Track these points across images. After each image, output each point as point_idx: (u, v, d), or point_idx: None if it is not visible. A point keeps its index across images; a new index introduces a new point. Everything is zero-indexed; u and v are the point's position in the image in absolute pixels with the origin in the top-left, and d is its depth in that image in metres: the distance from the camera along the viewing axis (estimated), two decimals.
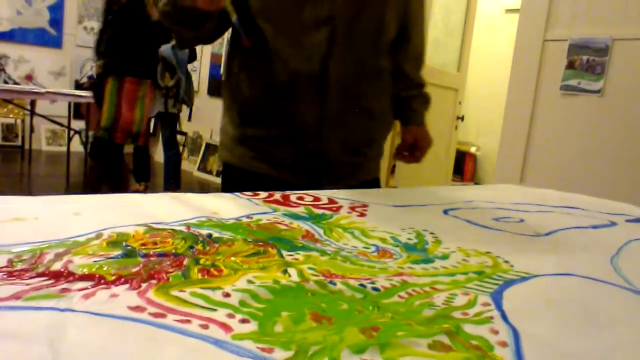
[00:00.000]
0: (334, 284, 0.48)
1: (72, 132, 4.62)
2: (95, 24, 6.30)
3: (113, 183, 3.44)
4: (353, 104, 1.08)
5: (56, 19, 6.11)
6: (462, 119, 4.24)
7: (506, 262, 0.60)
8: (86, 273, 0.45)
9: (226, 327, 0.38)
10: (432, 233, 0.70)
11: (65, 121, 4.66)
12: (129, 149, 3.64)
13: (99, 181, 3.40)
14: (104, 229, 0.58)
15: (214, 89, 5.65)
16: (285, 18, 1.00)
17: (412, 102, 1.23)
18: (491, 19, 5.67)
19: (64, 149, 4.59)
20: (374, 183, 1.22)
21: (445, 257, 0.60)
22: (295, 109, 1.05)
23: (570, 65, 2.37)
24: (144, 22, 3.31)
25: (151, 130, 6.40)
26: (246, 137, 1.10)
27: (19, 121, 5.80)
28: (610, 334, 0.43)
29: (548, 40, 2.46)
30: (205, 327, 0.37)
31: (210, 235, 0.59)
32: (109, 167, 3.43)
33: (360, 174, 1.18)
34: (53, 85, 5.64)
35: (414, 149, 1.24)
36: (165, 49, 3.34)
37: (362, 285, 0.48)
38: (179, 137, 4.33)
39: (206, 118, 5.57)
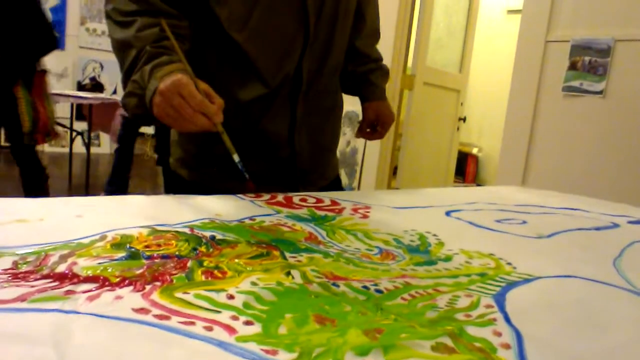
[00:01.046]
0: (337, 286, 0.48)
1: (74, 134, 4.62)
2: (98, 26, 6.32)
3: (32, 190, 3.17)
4: (319, 102, 1.06)
5: (58, 21, 6.11)
6: (464, 120, 4.24)
7: (509, 264, 0.60)
8: (90, 275, 0.45)
9: (230, 329, 0.38)
10: (434, 235, 0.70)
11: (67, 122, 4.66)
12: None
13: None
14: (108, 231, 0.58)
15: None
16: (262, 24, 0.93)
17: (370, 76, 1.21)
18: (493, 19, 5.67)
19: (67, 150, 4.59)
20: (338, 182, 1.21)
21: (448, 259, 0.60)
22: (266, 119, 1.00)
23: (573, 66, 2.37)
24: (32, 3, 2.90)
25: (154, 132, 6.41)
26: (213, 156, 1.00)
27: None
28: (613, 335, 0.43)
29: (550, 41, 2.46)
30: (209, 329, 0.38)
31: (213, 237, 0.60)
32: (34, 173, 3.17)
33: (328, 172, 1.17)
34: (55, 87, 5.64)
35: (376, 125, 1.22)
36: None
37: (365, 287, 0.49)
38: None
39: None
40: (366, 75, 1.21)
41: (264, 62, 0.96)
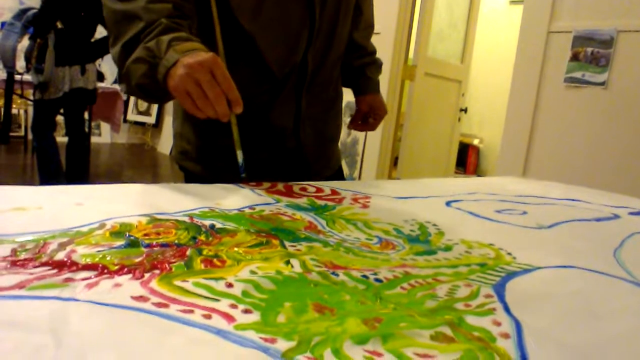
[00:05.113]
0: (337, 275, 0.48)
1: None
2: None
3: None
4: (322, 93, 1.07)
5: None
6: (465, 110, 4.23)
7: (509, 254, 0.60)
8: (89, 263, 0.45)
9: (229, 318, 0.38)
10: (434, 225, 0.70)
11: None
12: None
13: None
14: (107, 219, 0.58)
15: None
16: (272, 14, 0.93)
17: (366, 70, 1.22)
18: (495, 10, 5.63)
19: (66, 139, 4.58)
20: (340, 172, 1.22)
21: (448, 248, 0.60)
22: (273, 111, 1.00)
23: (575, 57, 2.36)
24: None
25: (155, 122, 6.41)
26: (217, 147, 0.99)
27: (21, 111, 5.79)
28: (612, 326, 0.43)
29: (552, 32, 2.45)
30: (208, 317, 0.37)
31: (213, 226, 0.60)
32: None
33: (333, 162, 1.18)
34: None
35: (368, 117, 1.23)
36: None
37: (364, 276, 0.49)
38: None
39: None
40: (362, 68, 1.22)
41: (272, 54, 0.95)
